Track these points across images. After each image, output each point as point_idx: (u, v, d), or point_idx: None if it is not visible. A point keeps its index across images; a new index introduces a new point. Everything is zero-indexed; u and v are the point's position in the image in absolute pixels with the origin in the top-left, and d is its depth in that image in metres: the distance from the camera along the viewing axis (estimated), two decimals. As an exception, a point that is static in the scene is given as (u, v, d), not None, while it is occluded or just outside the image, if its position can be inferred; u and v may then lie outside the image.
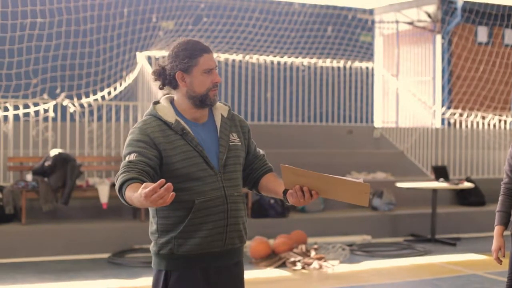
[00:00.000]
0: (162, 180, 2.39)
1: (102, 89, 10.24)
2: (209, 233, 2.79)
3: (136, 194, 2.48)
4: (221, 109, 2.96)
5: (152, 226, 2.87)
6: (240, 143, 2.94)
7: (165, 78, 2.87)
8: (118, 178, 2.70)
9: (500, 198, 3.99)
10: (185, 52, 2.82)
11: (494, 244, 3.90)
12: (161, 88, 2.94)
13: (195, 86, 2.83)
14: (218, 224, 2.81)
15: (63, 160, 8.13)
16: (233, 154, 2.89)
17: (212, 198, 2.79)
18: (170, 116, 2.83)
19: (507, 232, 3.98)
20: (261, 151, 3.11)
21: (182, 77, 2.83)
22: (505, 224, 3.95)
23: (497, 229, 3.94)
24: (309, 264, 7.37)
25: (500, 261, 3.91)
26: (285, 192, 2.80)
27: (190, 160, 2.78)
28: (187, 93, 2.85)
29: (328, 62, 12.64)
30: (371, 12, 13.77)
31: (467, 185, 9.60)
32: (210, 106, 2.88)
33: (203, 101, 2.84)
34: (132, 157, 2.73)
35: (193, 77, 2.82)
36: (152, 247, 2.88)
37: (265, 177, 3.02)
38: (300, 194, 2.70)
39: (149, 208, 2.86)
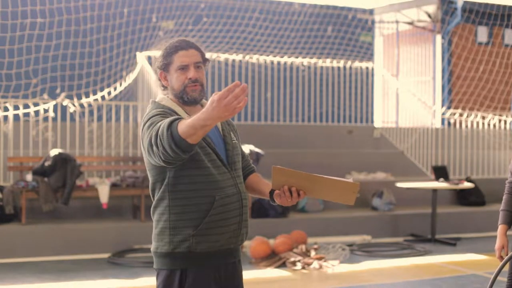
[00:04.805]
0: (238, 82, 2.33)
1: (102, 89, 10.24)
2: (227, 230, 2.79)
3: (200, 113, 2.39)
4: None
5: (160, 224, 2.79)
6: (236, 142, 2.98)
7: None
8: (160, 127, 2.52)
9: (504, 196, 3.96)
10: (164, 51, 2.85)
11: (498, 243, 3.87)
12: (163, 89, 2.95)
13: (173, 83, 2.83)
14: (234, 221, 2.82)
15: (63, 160, 8.13)
16: (236, 152, 2.92)
17: (230, 194, 2.80)
18: (180, 111, 2.82)
19: (510, 232, 3.96)
20: (255, 152, 3.14)
21: (164, 76, 2.86)
22: (508, 223, 3.91)
23: (500, 228, 3.90)
24: (309, 264, 7.37)
25: (502, 260, 3.88)
26: (271, 192, 2.82)
27: (208, 156, 2.77)
28: (171, 92, 2.86)
29: (328, 62, 12.64)
30: (371, 12, 13.77)
31: (467, 185, 9.59)
32: (192, 103, 2.83)
33: (182, 98, 2.83)
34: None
35: (171, 75, 2.84)
36: (162, 247, 2.78)
37: (250, 177, 3.06)
38: (288, 194, 2.73)
39: (157, 206, 2.79)
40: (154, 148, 2.55)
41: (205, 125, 2.42)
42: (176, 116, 2.57)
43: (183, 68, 2.81)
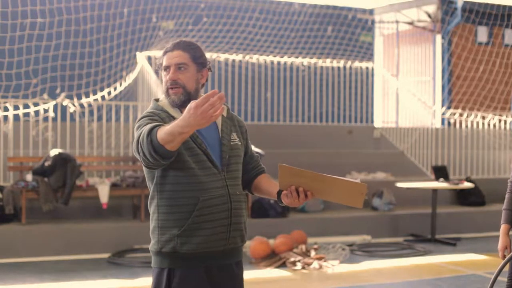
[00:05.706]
0: (215, 90, 2.36)
1: (102, 89, 10.24)
2: (212, 232, 2.77)
3: (178, 120, 2.43)
4: None
5: (153, 222, 2.84)
6: (240, 143, 2.95)
7: None
8: (141, 133, 2.58)
9: (506, 196, 3.90)
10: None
11: (500, 243, 3.81)
12: None
13: (163, 84, 2.87)
14: (221, 223, 2.79)
15: (63, 160, 8.13)
16: (234, 154, 2.90)
17: (216, 196, 2.78)
18: (175, 112, 2.83)
19: None
20: (256, 152, 3.11)
21: (161, 76, 2.90)
22: (511, 223, 3.86)
23: (503, 227, 3.85)
24: (309, 264, 7.37)
25: None
26: (279, 193, 2.80)
27: (195, 157, 2.77)
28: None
29: (328, 62, 12.64)
30: (371, 12, 13.77)
31: (467, 185, 9.59)
32: (174, 105, 2.83)
33: (168, 100, 2.85)
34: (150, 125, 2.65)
35: (162, 75, 2.88)
36: (153, 245, 2.84)
37: (259, 178, 3.03)
38: (295, 195, 2.71)
39: (150, 204, 2.85)
40: (137, 153, 2.62)
41: (183, 133, 2.46)
42: (157, 123, 2.60)
43: (166, 69, 2.84)
